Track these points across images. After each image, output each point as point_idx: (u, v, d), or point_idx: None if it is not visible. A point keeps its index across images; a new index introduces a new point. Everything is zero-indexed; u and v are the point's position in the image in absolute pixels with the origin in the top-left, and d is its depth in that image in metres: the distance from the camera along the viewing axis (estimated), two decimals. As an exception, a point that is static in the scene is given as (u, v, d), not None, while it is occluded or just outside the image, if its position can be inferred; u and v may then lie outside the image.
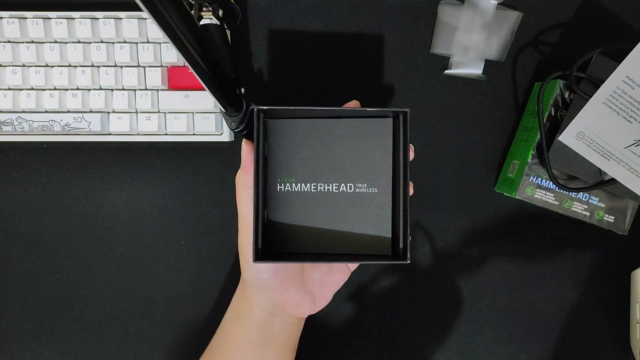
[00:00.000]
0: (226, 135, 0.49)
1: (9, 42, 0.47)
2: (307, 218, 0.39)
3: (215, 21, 0.45)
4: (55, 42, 0.47)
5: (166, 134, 0.49)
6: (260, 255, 0.36)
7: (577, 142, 0.42)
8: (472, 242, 0.50)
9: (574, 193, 0.47)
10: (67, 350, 0.51)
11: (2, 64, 0.48)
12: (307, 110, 0.38)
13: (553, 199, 0.47)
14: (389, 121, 0.39)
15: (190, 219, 0.51)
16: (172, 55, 0.48)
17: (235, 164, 0.51)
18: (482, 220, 0.51)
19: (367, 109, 0.38)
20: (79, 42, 0.48)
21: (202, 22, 0.45)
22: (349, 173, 0.39)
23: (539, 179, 0.47)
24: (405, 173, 0.37)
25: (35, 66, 0.48)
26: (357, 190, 0.39)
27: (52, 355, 0.51)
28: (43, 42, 0.47)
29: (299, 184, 0.40)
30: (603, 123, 0.42)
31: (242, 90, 0.46)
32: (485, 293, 0.52)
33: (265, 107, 0.36)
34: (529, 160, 0.47)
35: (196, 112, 0.49)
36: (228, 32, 0.48)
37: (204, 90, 0.47)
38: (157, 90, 0.48)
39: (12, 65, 0.48)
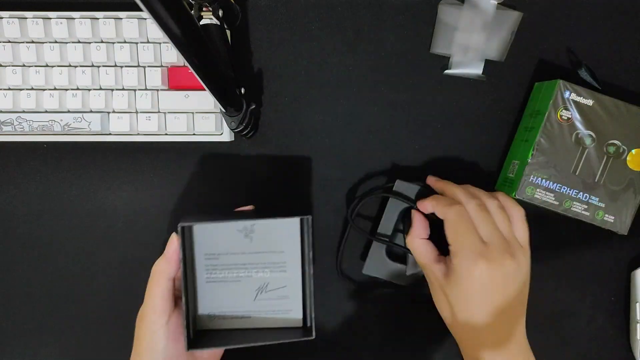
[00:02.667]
0: (226, 135, 0.49)
1: (9, 42, 0.47)
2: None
3: (215, 21, 0.45)
4: (55, 42, 0.47)
5: (166, 134, 0.49)
6: (193, 343, 0.42)
7: (212, 322, 0.45)
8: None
9: (574, 192, 0.47)
10: (67, 349, 0.51)
11: (2, 64, 0.48)
12: (225, 218, 0.44)
13: (553, 198, 0.47)
14: (297, 220, 0.44)
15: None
16: (172, 55, 0.48)
17: (235, 164, 0.51)
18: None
19: (277, 218, 0.44)
20: (79, 42, 0.48)
21: (202, 22, 0.45)
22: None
23: (539, 179, 0.47)
24: (310, 267, 0.43)
25: (35, 66, 0.48)
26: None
27: (52, 354, 0.51)
28: (43, 42, 0.47)
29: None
30: (224, 296, 0.44)
31: (242, 90, 0.46)
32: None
33: (187, 224, 0.42)
34: (529, 160, 0.47)
35: (196, 112, 0.49)
36: (228, 32, 0.48)
37: (204, 90, 0.47)
38: (157, 90, 0.48)
39: (12, 65, 0.48)
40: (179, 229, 0.41)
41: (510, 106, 0.51)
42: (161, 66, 0.48)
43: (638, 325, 0.50)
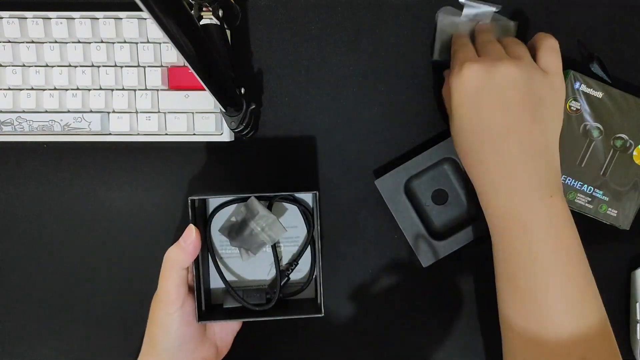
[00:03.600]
0: (226, 135, 0.49)
1: (9, 42, 0.47)
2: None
3: (215, 21, 0.45)
4: (55, 42, 0.47)
5: (166, 134, 0.49)
6: (204, 316, 0.43)
7: (226, 297, 0.47)
8: (472, 242, 0.50)
9: (579, 184, 0.47)
10: (67, 349, 0.51)
11: (2, 64, 0.48)
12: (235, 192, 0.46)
13: None
14: (310, 196, 0.47)
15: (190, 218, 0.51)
16: (172, 55, 0.48)
17: (235, 164, 0.51)
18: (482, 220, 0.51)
19: (284, 194, 0.46)
20: (79, 42, 0.48)
21: (202, 22, 0.45)
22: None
23: None
24: (318, 243, 0.44)
25: (35, 66, 0.48)
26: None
27: (52, 355, 0.51)
28: (43, 42, 0.47)
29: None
30: (238, 271, 0.48)
31: (242, 90, 0.46)
32: (485, 293, 0.52)
33: (197, 197, 0.43)
34: None
35: (196, 112, 0.49)
36: (228, 32, 0.48)
37: (204, 90, 0.47)
38: (157, 90, 0.48)
39: (12, 65, 0.48)
40: (189, 202, 0.42)
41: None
42: (161, 66, 0.48)
43: (638, 325, 0.50)
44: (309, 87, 0.51)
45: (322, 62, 0.51)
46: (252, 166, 0.51)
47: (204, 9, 0.45)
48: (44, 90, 0.48)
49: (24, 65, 0.48)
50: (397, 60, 0.51)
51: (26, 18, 0.47)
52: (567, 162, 0.47)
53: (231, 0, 0.48)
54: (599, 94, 0.46)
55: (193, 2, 0.44)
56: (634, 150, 0.47)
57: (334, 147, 0.51)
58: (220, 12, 0.45)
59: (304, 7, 0.50)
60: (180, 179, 0.51)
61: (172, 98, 0.48)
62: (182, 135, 0.49)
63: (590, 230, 0.51)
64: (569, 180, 0.47)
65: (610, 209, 0.47)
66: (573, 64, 0.51)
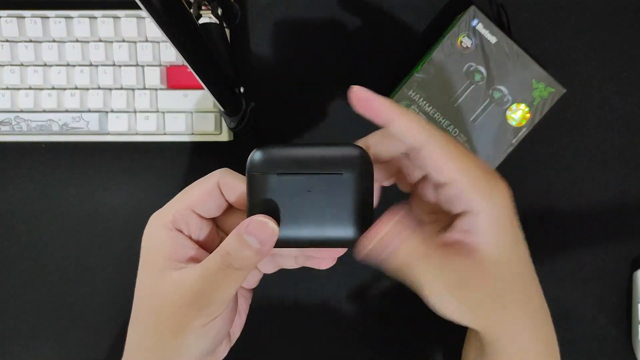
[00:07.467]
0: (225, 135, 0.49)
1: (7, 41, 0.47)
2: None
3: (214, 20, 0.45)
4: (54, 41, 0.47)
5: (165, 134, 0.49)
6: None
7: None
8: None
9: (446, 123, 0.46)
10: (66, 349, 0.51)
11: (1, 64, 0.48)
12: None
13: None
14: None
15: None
16: (170, 54, 0.47)
17: (235, 164, 0.51)
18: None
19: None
20: (78, 41, 0.47)
21: (201, 21, 0.45)
22: None
23: (418, 96, 0.45)
24: None
25: (34, 65, 0.47)
26: None
27: (51, 355, 0.51)
28: (41, 41, 0.47)
29: None
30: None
31: (242, 89, 0.46)
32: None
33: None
34: (415, 74, 0.45)
35: (195, 112, 0.48)
36: (227, 30, 0.48)
37: (203, 89, 0.47)
38: (156, 89, 0.48)
39: (10, 65, 0.47)
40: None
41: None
42: (160, 65, 0.48)
43: (640, 325, 0.50)
44: (309, 87, 0.51)
45: (321, 62, 0.50)
46: (252, 166, 0.51)
47: (203, 7, 0.45)
48: (42, 89, 0.48)
49: (22, 65, 0.48)
50: (397, 60, 0.51)
51: (24, 17, 0.47)
52: (442, 98, 0.45)
53: (230, -1, 0.48)
54: (493, 39, 0.45)
55: (192, 1, 0.44)
56: (509, 107, 0.45)
57: (334, 146, 0.51)
58: (220, 11, 0.45)
59: (304, 6, 0.50)
60: (179, 179, 0.51)
61: (171, 97, 0.48)
62: (181, 135, 0.49)
63: (592, 231, 0.51)
64: (437, 115, 0.46)
65: None
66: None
